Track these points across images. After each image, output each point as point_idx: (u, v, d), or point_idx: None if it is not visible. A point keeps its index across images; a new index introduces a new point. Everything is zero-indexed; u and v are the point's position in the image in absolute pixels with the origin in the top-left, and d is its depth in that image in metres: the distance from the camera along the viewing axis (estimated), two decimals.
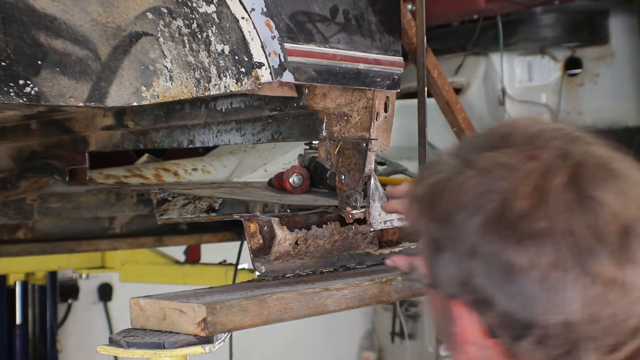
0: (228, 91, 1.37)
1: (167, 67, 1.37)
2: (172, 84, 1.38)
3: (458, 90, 3.30)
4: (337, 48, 1.48)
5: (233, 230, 3.09)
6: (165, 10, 1.34)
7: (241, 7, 1.33)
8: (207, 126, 1.89)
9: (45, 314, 4.10)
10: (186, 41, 1.36)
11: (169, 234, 3.15)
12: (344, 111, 1.59)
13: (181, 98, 1.39)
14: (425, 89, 1.81)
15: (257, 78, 1.35)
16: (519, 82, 3.41)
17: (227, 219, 1.50)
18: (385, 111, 1.62)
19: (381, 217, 1.67)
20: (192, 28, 1.35)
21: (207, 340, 1.30)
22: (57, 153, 2.37)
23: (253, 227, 1.51)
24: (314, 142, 2.11)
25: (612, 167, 0.97)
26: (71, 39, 1.28)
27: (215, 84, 1.37)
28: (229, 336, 1.38)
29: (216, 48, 1.35)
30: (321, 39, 1.45)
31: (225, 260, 3.62)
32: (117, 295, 4.50)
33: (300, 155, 2.20)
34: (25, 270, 3.96)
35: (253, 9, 1.34)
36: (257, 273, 1.55)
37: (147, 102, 1.38)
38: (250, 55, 1.34)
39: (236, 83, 1.35)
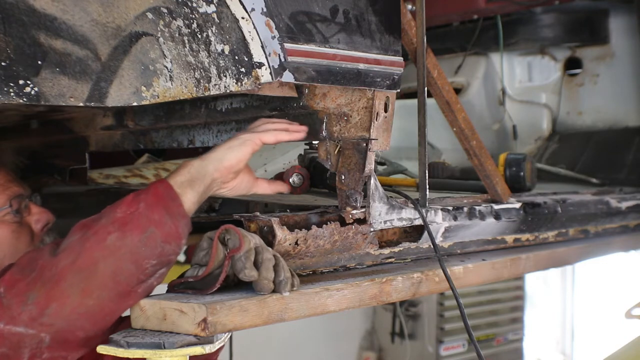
0: (228, 91, 1.36)
1: (167, 67, 1.37)
2: (172, 84, 1.38)
3: (458, 90, 3.31)
4: (337, 48, 1.48)
5: None
6: (165, 10, 1.34)
7: (241, 7, 1.33)
8: (207, 126, 1.89)
9: None
10: (186, 41, 1.36)
11: None
12: (344, 111, 1.59)
13: (181, 98, 1.39)
14: (425, 89, 1.81)
15: (257, 78, 1.35)
16: (519, 82, 3.41)
17: (227, 219, 1.50)
18: (385, 111, 1.62)
19: (381, 217, 1.68)
20: (192, 28, 1.35)
21: (208, 340, 1.30)
22: (57, 153, 2.37)
23: (253, 227, 1.51)
24: (314, 142, 2.11)
25: None
26: (71, 39, 1.28)
27: (215, 84, 1.37)
28: (229, 336, 1.39)
29: (216, 48, 1.35)
30: (321, 39, 1.45)
31: None
32: None
33: (300, 155, 2.20)
34: None
35: (253, 9, 1.34)
36: None
37: (147, 102, 1.37)
38: (250, 55, 1.34)
39: (236, 83, 1.35)
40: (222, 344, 1.34)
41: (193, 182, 1.38)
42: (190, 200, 1.37)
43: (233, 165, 1.42)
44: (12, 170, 1.79)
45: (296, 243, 1.52)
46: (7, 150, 2.40)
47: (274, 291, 1.38)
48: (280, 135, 1.48)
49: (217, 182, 1.42)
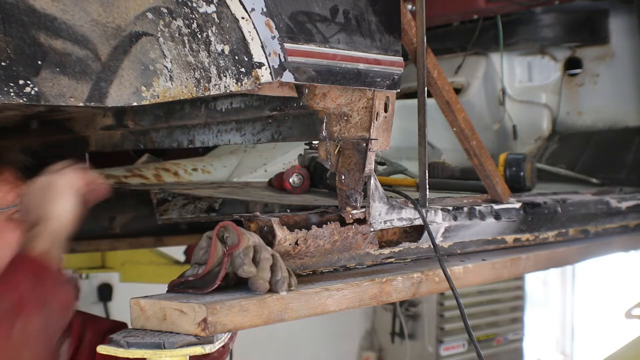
0: (228, 91, 1.37)
1: (167, 67, 1.37)
2: (172, 84, 1.38)
3: (458, 90, 3.30)
4: (337, 48, 1.48)
5: None
6: (165, 10, 1.34)
7: (241, 7, 1.34)
8: (207, 126, 1.89)
9: None
10: (186, 41, 1.36)
11: (169, 234, 3.14)
12: (344, 111, 1.59)
13: (181, 98, 1.39)
14: (425, 89, 1.81)
15: (257, 78, 1.35)
16: (519, 82, 3.41)
17: (227, 219, 1.50)
18: (385, 111, 1.62)
19: (381, 217, 1.68)
20: (192, 28, 1.35)
21: (208, 340, 1.30)
22: (57, 153, 2.37)
23: (253, 227, 1.51)
24: (314, 142, 2.11)
25: None
26: (71, 39, 1.28)
27: (215, 84, 1.37)
28: (229, 336, 1.39)
29: (216, 48, 1.35)
30: (321, 39, 1.45)
31: None
32: (117, 296, 4.49)
33: (300, 155, 2.20)
34: None
35: (253, 9, 1.34)
36: None
37: (147, 102, 1.37)
38: (250, 55, 1.34)
39: (236, 83, 1.35)
40: (222, 344, 1.34)
41: (53, 245, 1.43)
42: (59, 262, 1.43)
43: (75, 214, 1.49)
44: (19, 169, 1.80)
45: (296, 243, 1.52)
46: (14, 149, 2.40)
47: (270, 290, 1.39)
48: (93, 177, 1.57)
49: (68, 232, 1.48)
